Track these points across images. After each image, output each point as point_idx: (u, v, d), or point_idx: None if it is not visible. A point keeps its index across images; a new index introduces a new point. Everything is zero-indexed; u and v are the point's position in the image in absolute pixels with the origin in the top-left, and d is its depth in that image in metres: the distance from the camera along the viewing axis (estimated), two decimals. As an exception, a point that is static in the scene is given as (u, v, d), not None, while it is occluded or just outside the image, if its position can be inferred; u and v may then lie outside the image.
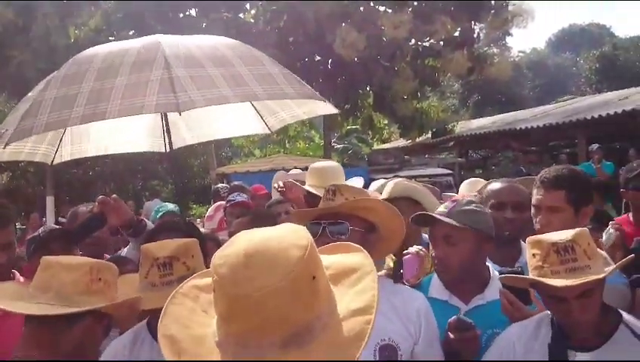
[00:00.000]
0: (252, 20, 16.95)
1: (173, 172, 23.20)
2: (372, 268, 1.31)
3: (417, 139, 20.06)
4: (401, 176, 6.90)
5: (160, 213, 5.10)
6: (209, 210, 5.96)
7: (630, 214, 3.73)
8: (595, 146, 12.07)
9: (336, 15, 15.10)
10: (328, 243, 1.99)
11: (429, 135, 20.80)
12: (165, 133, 3.82)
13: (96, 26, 16.59)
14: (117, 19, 16.26)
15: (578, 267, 1.92)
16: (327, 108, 3.82)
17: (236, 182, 7.04)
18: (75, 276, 1.95)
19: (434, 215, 2.44)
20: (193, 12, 16.77)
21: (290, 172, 5.41)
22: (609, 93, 21.46)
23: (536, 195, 2.70)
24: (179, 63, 2.84)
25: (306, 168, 11.59)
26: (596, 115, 14.63)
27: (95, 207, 3.08)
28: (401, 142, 22.40)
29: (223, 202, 5.60)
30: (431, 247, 2.51)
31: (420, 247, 2.81)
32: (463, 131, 21.22)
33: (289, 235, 1.22)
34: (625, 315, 2.05)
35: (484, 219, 2.46)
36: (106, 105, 2.71)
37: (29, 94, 3.06)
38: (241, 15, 16.95)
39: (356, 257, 1.38)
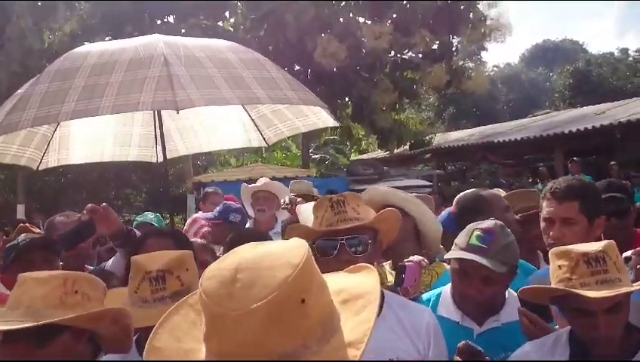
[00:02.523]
0: (231, 29, 16.83)
1: (147, 181, 22.76)
2: (376, 297, 1.20)
3: (395, 151, 20.09)
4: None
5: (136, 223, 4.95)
6: (186, 224, 5.77)
7: None
8: (573, 160, 12.20)
9: (317, 25, 15.07)
10: (349, 259, 1.89)
11: (407, 146, 20.86)
12: (158, 143, 3.62)
13: (72, 30, 16.31)
14: (93, 25, 16.03)
15: (609, 279, 1.80)
16: (327, 121, 3.68)
17: (209, 189, 6.85)
18: (46, 289, 1.77)
19: (476, 259, 2.18)
20: (171, 19, 16.59)
21: (259, 181, 5.13)
22: (586, 107, 21.80)
23: (547, 208, 2.56)
24: (178, 62, 2.70)
25: (285, 178, 11.48)
26: (574, 129, 14.85)
27: (83, 215, 2.90)
28: (379, 154, 22.42)
29: (200, 214, 5.42)
30: (451, 275, 2.36)
31: (422, 258, 2.69)
32: (440, 143, 21.34)
33: (287, 252, 1.10)
34: None
35: (516, 250, 2.31)
36: (99, 101, 2.56)
37: (18, 91, 2.87)
38: (220, 23, 16.81)
39: (367, 281, 1.27)
